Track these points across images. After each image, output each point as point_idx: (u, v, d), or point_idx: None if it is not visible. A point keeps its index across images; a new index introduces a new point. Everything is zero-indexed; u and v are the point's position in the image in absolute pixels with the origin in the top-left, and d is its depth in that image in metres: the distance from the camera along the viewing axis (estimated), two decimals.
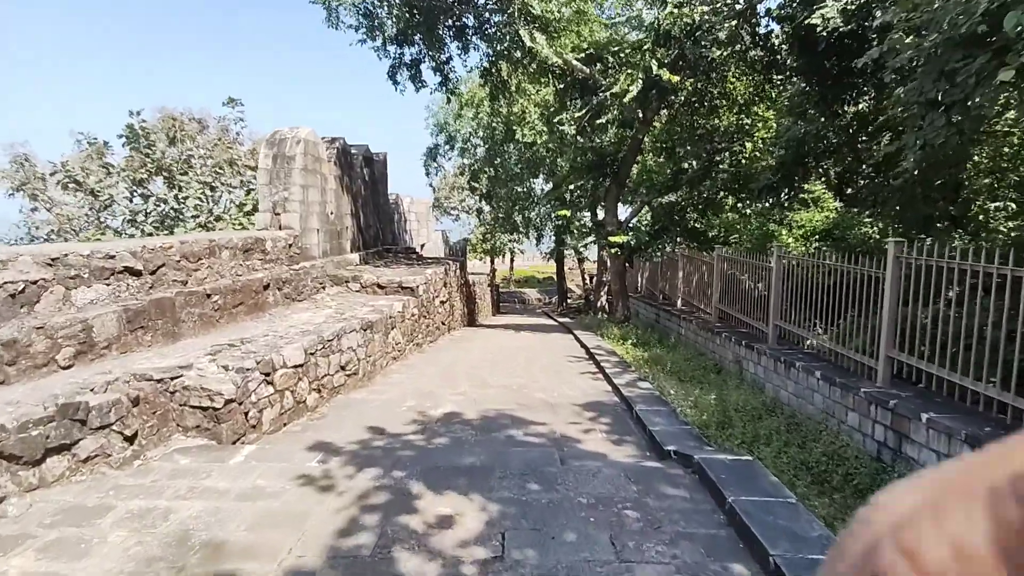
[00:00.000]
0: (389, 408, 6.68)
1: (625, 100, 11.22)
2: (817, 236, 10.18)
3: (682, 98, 12.45)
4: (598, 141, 13.58)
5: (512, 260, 47.72)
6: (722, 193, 12.74)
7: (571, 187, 12.84)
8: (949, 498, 0.24)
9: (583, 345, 11.47)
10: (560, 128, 12.59)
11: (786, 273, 8.37)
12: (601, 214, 19.82)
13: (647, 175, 13.83)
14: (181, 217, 15.04)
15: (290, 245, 9.29)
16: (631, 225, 13.52)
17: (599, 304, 25.16)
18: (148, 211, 14.76)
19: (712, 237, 13.98)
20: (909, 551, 0.24)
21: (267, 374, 5.69)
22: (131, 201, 15.44)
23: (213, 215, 14.89)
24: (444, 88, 12.68)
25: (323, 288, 10.11)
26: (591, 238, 15.30)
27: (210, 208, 15.14)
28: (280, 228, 9.67)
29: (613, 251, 12.97)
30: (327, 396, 6.83)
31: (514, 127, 20.61)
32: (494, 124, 20.83)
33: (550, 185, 28.31)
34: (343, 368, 7.20)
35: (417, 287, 10.39)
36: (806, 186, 10.56)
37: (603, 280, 25.35)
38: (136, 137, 15.19)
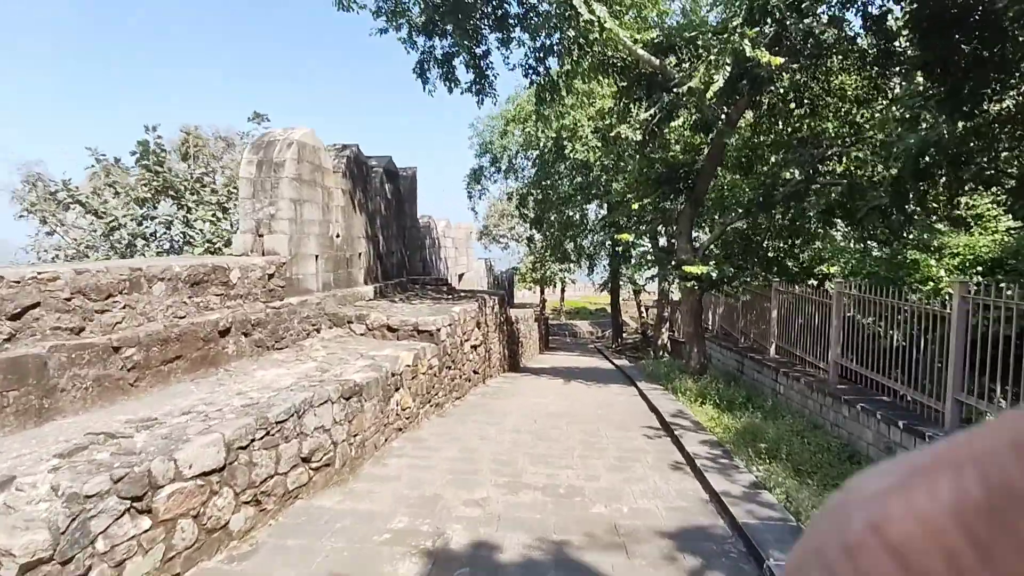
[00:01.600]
0: (365, 534, 4.17)
1: (708, 95, 8.63)
2: (980, 267, 7.28)
3: (780, 91, 9.75)
4: (669, 151, 11.00)
5: (563, 290, 45.08)
6: (812, 216, 9.90)
7: (634, 206, 10.22)
8: (916, 476, 0.26)
9: (652, 407, 8.74)
10: (621, 137, 10.05)
11: (976, 321, 5.51)
12: (663, 240, 17.05)
13: (730, 191, 11.10)
14: (192, 241, 13.24)
15: (270, 276, 7.03)
16: (708, 253, 10.79)
17: (660, 342, 22.18)
18: (152, 233, 13.00)
19: (799, 269, 11.07)
20: (876, 524, 0.25)
21: (138, 498, 3.30)
22: (140, 224, 13.74)
23: (224, 239, 13.02)
24: (480, 87, 10.39)
25: (316, 331, 7.79)
26: (654, 269, 12.57)
27: (223, 232, 13.30)
28: (263, 253, 7.45)
29: (688, 284, 10.26)
30: (273, 507, 4.39)
31: (565, 143, 18.22)
32: (542, 140, 18.51)
33: (604, 211, 25.73)
34: (307, 460, 4.77)
35: (439, 330, 7.96)
36: (967, 200, 7.65)
37: (664, 316, 22.40)
38: (147, 154, 13.57)
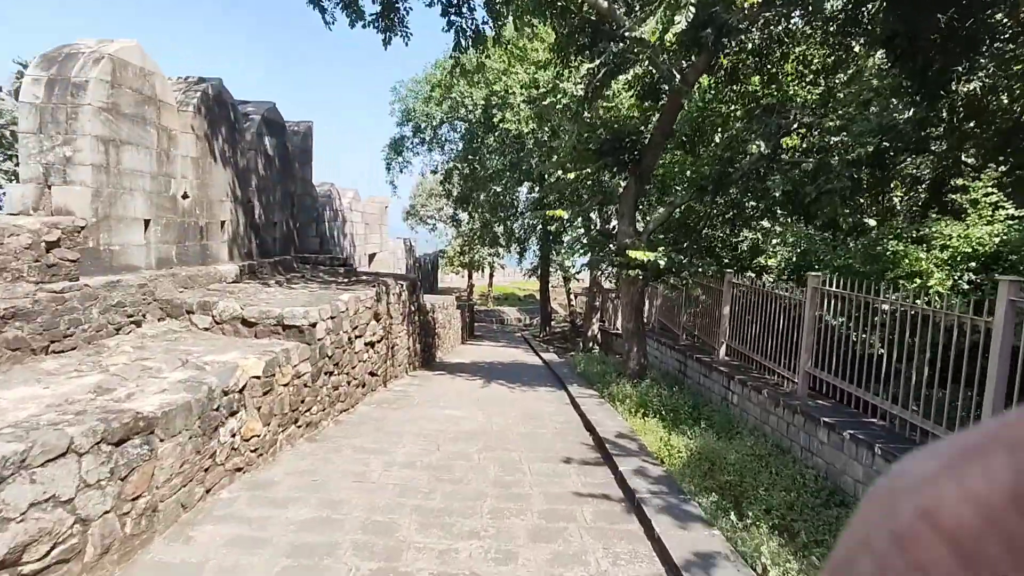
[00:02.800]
0: None
1: (667, 38, 6.94)
2: (974, 262, 6.07)
3: (746, 49, 8.20)
4: (612, 118, 9.30)
5: (492, 276, 43.33)
6: (775, 197, 8.49)
7: (569, 176, 8.44)
8: (967, 458, 0.24)
9: (588, 424, 7.06)
10: (559, 96, 8.23)
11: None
12: (598, 223, 15.47)
13: (680, 168, 9.52)
14: None
15: (51, 244, 4.75)
16: (653, 238, 9.21)
17: (590, 333, 20.80)
18: None
19: (732, 260, 9.75)
20: (928, 510, 0.23)
21: None
22: None
23: None
24: (387, 21, 8.27)
25: (136, 324, 5.56)
26: (588, 255, 10.91)
27: None
28: (53, 212, 5.14)
29: (630, 273, 8.63)
30: None
31: (494, 112, 16.29)
32: (469, 105, 16.47)
33: (536, 193, 24.01)
34: (6, 564, 2.71)
35: (313, 326, 5.91)
36: (968, 183, 6.34)
37: (595, 305, 21.02)
38: None
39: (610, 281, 22.08)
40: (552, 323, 29.60)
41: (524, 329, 31.18)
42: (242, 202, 7.85)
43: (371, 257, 14.59)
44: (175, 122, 6.37)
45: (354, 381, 7.22)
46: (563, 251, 18.71)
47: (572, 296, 32.49)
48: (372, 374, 8.05)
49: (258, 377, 4.89)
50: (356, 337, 7.22)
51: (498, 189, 17.50)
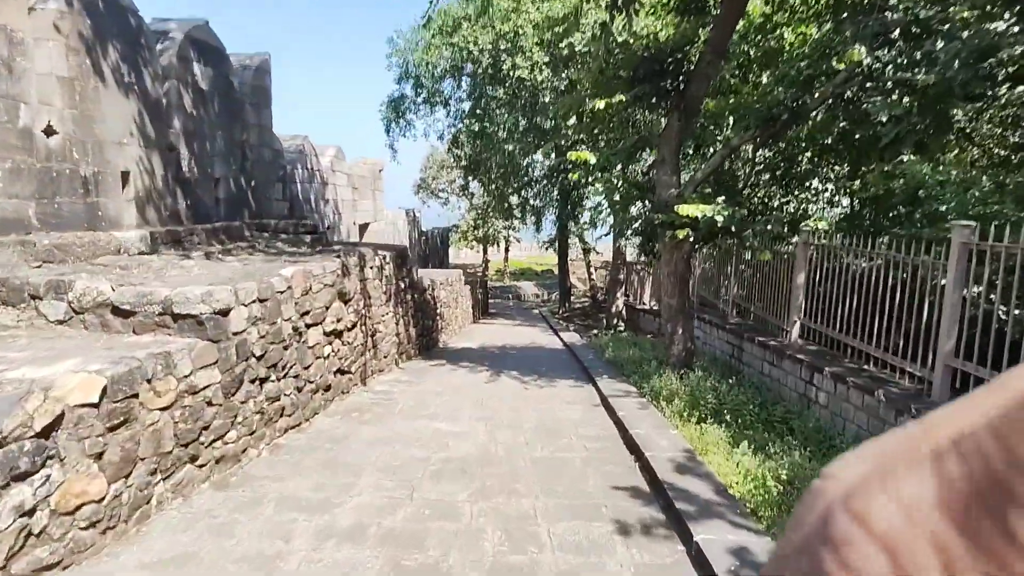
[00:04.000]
0: None
1: None
2: None
3: None
4: (648, 33, 7.05)
5: (507, 250, 41.22)
6: (883, 130, 6.18)
7: (598, 105, 6.20)
8: (896, 463, 0.25)
9: (628, 441, 4.98)
10: (580, 32, 5.97)
11: None
12: (631, 171, 12.99)
13: (744, 98, 7.19)
14: None
15: None
16: (699, 191, 7.01)
17: (614, 310, 18.65)
18: None
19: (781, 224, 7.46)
20: (860, 516, 0.24)
21: None
22: None
23: None
24: None
25: None
26: (617, 216, 8.69)
27: None
28: None
29: (677, 235, 6.47)
30: None
31: (503, 57, 14.00)
32: (474, 51, 14.15)
33: (553, 159, 21.66)
34: None
35: (222, 313, 3.91)
36: None
37: (618, 279, 18.84)
38: None
39: (635, 252, 19.86)
40: (572, 298, 27.49)
41: (542, 305, 29.11)
42: (159, 147, 5.80)
43: (363, 228, 12.54)
44: (22, 20, 4.32)
45: (309, 386, 5.23)
46: (589, 213, 16.47)
47: (592, 269, 30.28)
48: (342, 372, 6.06)
49: (94, 404, 2.89)
50: (310, 326, 5.21)
51: (511, 148, 15.20)
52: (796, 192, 9.44)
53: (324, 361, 5.56)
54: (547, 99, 14.42)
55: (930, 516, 0.23)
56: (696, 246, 7.30)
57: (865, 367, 5.62)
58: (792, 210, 9.36)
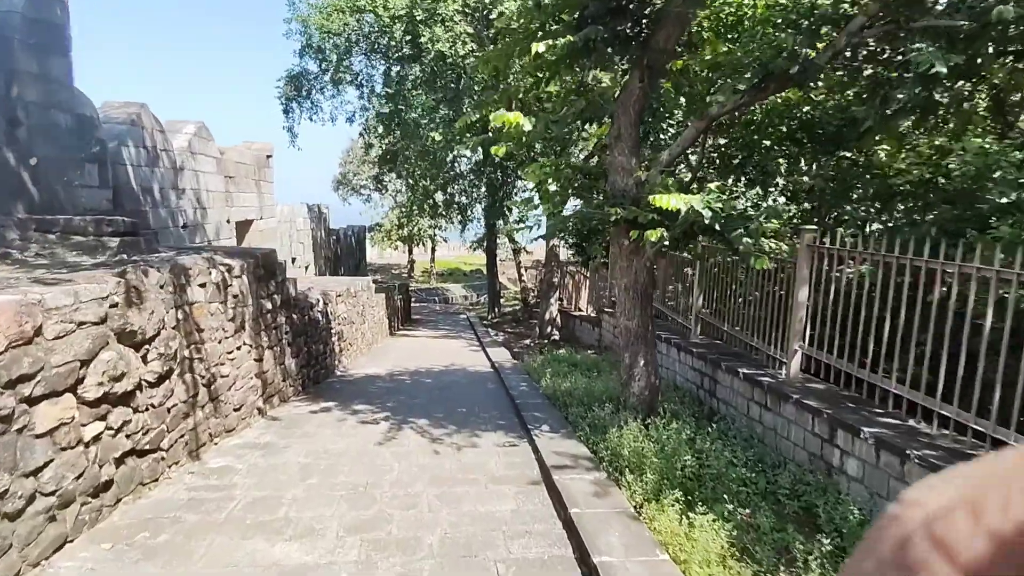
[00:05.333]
0: None
1: None
2: None
3: None
4: None
5: (433, 250, 38.83)
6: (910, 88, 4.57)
7: (536, 49, 4.22)
8: (985, 491, 0.23)
9: None
10: None
11: None
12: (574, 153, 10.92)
13: (726, 55, 5.33)
14: None
15: None
16: (670, 172, 5.18)
17: (548, 316, 16.83)
18: None
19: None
20: (943, 544, 0.23)
21: None
22: None
23: None
24: None
25: None
26: (561, 208, 6.70)
27: None
28: None
29: (649, 236, 4.57)
30: None
31: (420, 29, 11.81)
32: (385, 18, 11.82)
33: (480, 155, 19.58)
34: None
35: None
36: None
37: (553, 282, 17.04)
38: None
39: (570, 252, 18.14)
40: (502, 301, 25.55)
41: (471, 308, 27.03)
42: None
43: (242, 226, 9.96)
44: None
45: (38, 504, 2.93)
46: (517, 210, 14.60)
47: (523, 270, 28.50)
48: (141, 453, 3.76)
49: None
50: (40, 398, 2.91)
51: (436, 136, 12.96)
52: (762, 185, 7.85)
53: (84, 451, 3.25)
54: (471, 76, 12.34)
55: (1018, 546, 0.21)
56: (661, 250, 5.45)
57: (913, 423, 3.92)
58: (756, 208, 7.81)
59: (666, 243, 4.70)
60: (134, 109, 7.00)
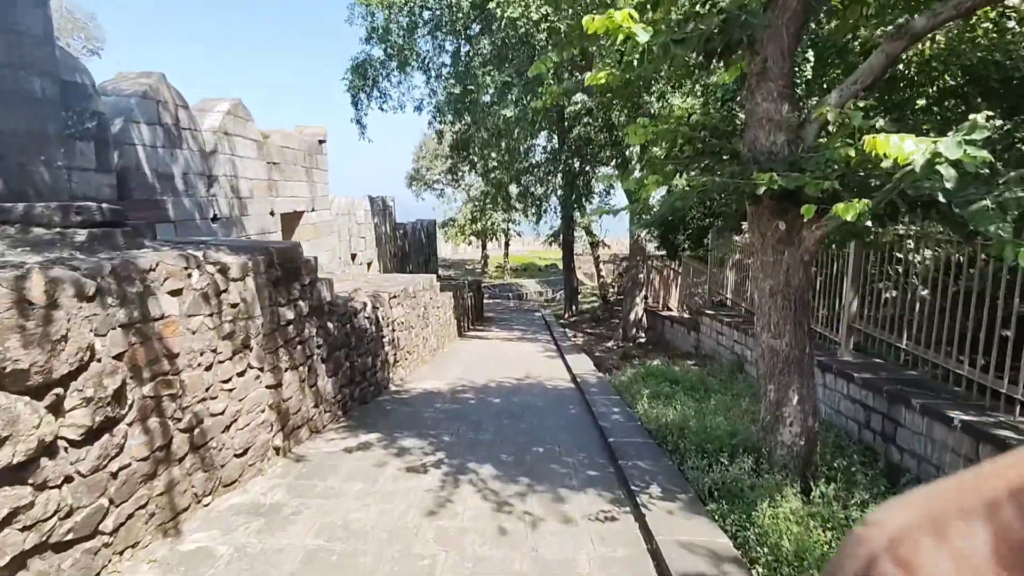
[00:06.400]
0: None
1: None
2: None
3: None
4: None
5: (507, 245, 37.53)
6: None
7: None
8: (947, 512, 0.24)
9: None
10: None
11: None
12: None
13: None
14: None
15: None
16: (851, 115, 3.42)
17: (633, 317, 14.96)
18: None
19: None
20: (908, 564, 0.23)
21: None
22: None
23: None
24: None
25: None
26: (671, 179, 4.86)
27: None
28: None
29: (839, 211, 2.81)
30: None
31: None
32: None
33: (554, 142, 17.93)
34: None
35: None
36: None
37: (638, 279, 15.12)
38: None
39: (653, 244, 16.16)
40: (579, 297, 23.78)
41: (545, 305, 25.42)
42: None
43: (288, 219, 8.76)
44: None
45: None
46: (597, 198, 12.91)
47: (601, 265, 26.59)
48: (50, 548, 2.45)
49: None
50: None
51: (507, 114, 11.43)
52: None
53: None
54: (546, 46, 10.71)
55: (982, 567, 0.21)
56: (839, 238, 3.63)
57: None
58: None
59: (864, 223, 2.88)
60: (148, 80, 5.88)
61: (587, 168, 17.31)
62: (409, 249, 16.96)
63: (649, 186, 3.81)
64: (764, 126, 3.70)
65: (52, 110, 4.60)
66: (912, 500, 0.25)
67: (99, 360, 2.70)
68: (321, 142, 9.92)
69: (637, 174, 4.21)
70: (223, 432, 3.73)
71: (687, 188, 3.81)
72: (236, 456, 3.89)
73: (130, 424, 2.93)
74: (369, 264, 13.04)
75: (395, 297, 7.55)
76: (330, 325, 5.39)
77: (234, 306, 3.81)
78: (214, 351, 3.61)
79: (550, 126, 15.81)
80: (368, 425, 5.58)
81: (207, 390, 3.56)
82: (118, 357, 2.84)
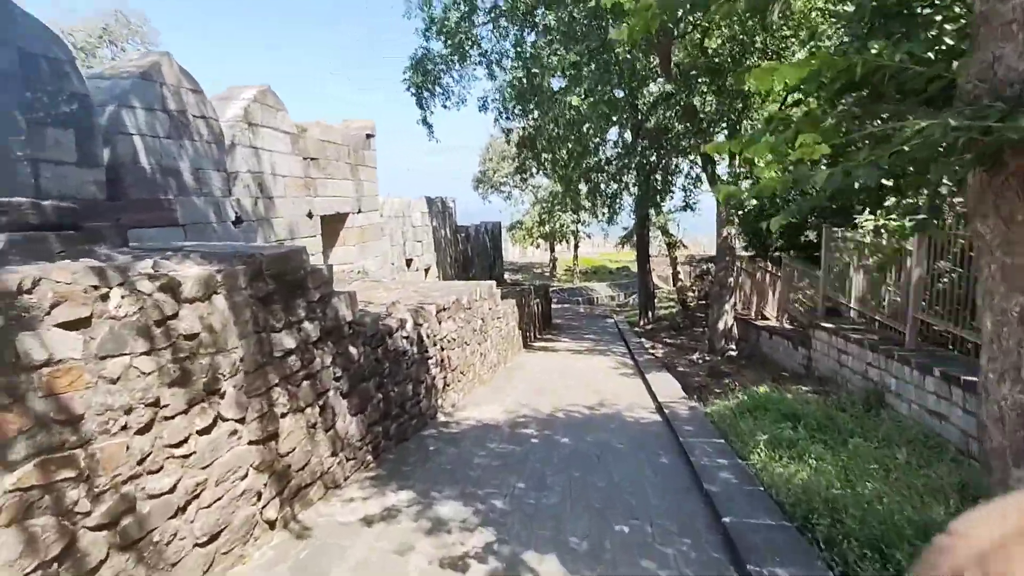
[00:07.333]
0: None
1: None
2: None
3: None
4: None
5: (576, 247, 35.96)
6: None
7: None
8: None
9: None
10: None
11: None
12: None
13: None
14: None
15: None
16: None
17: (721, 326, 13.15)
18: None
19: None
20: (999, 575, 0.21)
21: None
22: None
23: None
24: None
25: None
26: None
27: None
28: None
29: None
30: None
31: None
32: None
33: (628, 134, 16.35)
34: None
35: None
36: None
37: (727, 282, 13.28)
38: None
39: (744, 243, 14.25)
40: (655, 302, 21.94)
41: (618, 310, 23.70)
42: None
43: (330, 221, 7.76)
44: None
45: None
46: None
47: (678, 267, 24.59)
48: None
49: None
50: None
51: (574, 101, 10.09)
52: None
53: None
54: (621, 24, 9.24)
55: None
56: None
57: None
58: None
59: None
60: (149, 59, 4.96)
61: (664, 161, 15.63)
62: (472, 253, 15.88)
63: (806, 148, 2.37)
64: (1016, 35, 2.17)
65: (12, 88, 3.71)
66: (998, 510, 0.23)
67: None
68: (369, 136, 8.92)
69: (769, 138, 2.72)
70: (173, 517, 2.60)
71: (870, 155, 2.33)
72: (199, 545, 2.76)
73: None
74: (427, 270, 12.03)
75: (444, 310, 6.35)
76: (353, 350, 4.23)
77: (190, 337, 2.68)
78: (154, 404, 2.49)
79: (622, 118, 14.30)
80: (401, 476, 4.38)
81: (142, 462, 2.44)
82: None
